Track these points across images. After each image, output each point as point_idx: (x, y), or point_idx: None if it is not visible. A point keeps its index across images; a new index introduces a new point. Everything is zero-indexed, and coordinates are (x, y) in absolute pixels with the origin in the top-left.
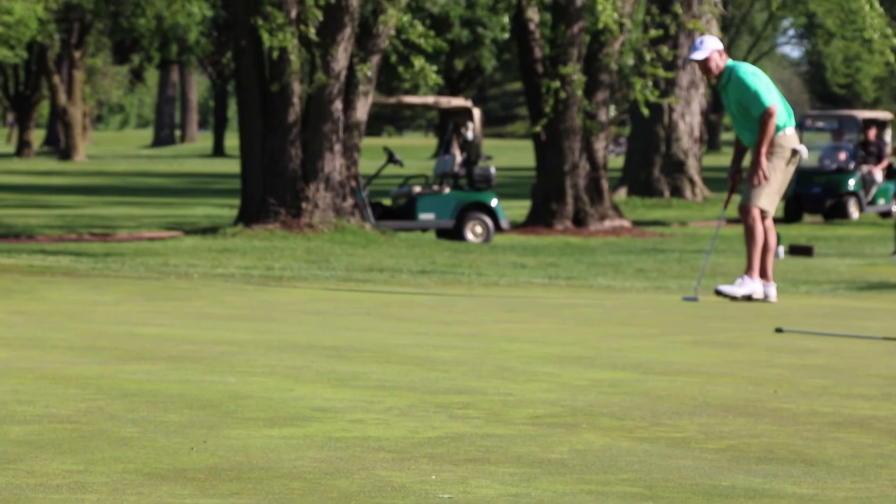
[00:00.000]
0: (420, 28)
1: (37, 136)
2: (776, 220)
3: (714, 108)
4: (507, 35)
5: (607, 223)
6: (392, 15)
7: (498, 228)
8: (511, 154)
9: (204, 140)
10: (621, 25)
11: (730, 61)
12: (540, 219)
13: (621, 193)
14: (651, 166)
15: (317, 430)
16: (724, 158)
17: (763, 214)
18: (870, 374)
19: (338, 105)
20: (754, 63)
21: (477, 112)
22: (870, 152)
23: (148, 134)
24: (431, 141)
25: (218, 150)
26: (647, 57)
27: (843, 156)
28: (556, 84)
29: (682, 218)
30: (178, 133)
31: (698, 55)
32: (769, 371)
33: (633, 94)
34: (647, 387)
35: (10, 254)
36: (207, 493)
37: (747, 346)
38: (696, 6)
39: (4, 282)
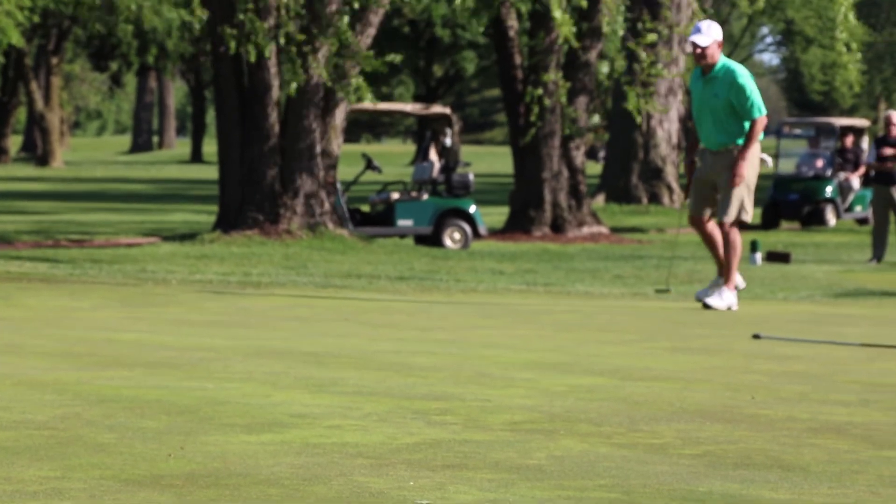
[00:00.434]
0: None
1: (14, 142)
2: (754, 227)
3: (691, 114)
4: (482, 37)
5: (585, 230)
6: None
7: (476, 235)
8: (489, 160)
9: (182, 146)
10: (600, 32)
11: (722, 57)
12: (518, 225)
13: (599, 200)
14: (629, 173)
15: (294, 436)
16: None
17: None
18: (847, 380)
19: (316, 112)
20: None
21: (455, 119)
22: (847, 159)
23: (126, 140)
24: (410, 147)
25: (196, 157)
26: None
27: (820, 163)
28: (540, 92)
29: (659, 224)
30: (155, 139)
31: (703, 40)
32: (746, 377)
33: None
34: (625, 393)
35: None
36: (185, 500)
37: (725, 353)
38: (675, 13)
39: None
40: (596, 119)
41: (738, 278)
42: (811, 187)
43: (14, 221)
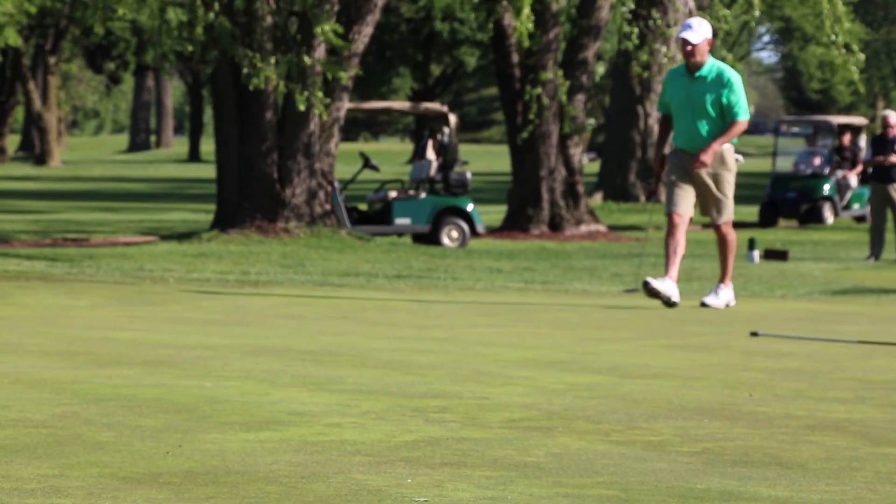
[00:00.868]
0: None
1: (12, 141)
2: (752, 225)
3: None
4: (479, 32)
5: (583, 228)
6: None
7: (474, 233)
8: (487, 159)
9: (179, 145)
10: (598, 30)
11: (710, 56)
12: (516, 223)
13: (597, 198)
14: (626, 171)
15: (293, 434)
16: None
17: (683, 220)
18: (844, 377)
19: (313, 110)
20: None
21: (453, 117)
22: (844, 157)
23: (123, 139)
24: (407, 146)
25: (193, 156)
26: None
27: (818, 161)
28: (538, 91)
29: (657, 223)
30: (153, 138)
31: (694, 37)
32: (744, 374)
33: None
34: (623, 390)
35: None
36: (183, 498)
37: (723, 350)
38: (671, 14)
39: None
40: (591, 121)
41: (669, 284)
42: (809, 185)
43: (12, 220)
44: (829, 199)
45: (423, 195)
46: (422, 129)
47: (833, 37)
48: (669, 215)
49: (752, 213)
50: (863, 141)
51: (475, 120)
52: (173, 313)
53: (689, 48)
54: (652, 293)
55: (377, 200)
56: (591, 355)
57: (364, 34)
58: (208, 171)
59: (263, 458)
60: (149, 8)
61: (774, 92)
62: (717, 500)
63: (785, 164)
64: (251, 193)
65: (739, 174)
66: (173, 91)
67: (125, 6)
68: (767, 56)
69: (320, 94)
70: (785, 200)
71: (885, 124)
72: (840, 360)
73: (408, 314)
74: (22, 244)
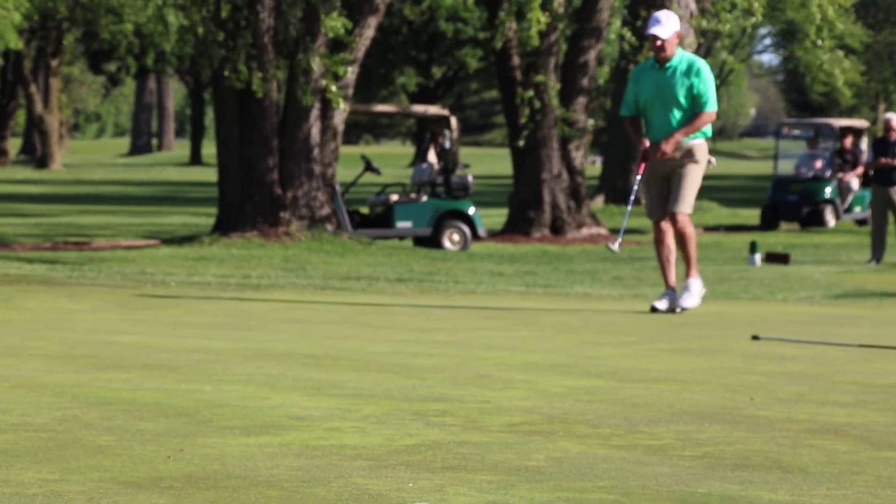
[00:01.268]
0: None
1: (13, 144)
2: (753, 228)
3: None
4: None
5: (584, 231)
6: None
7: (475, 236)
8: (488, 162)
9: (181, 148)
10: (599, 32)
11: (679, 48)
12: (517, 227)
13: (598, 201)
14: (628, 174)
15: (293, 438)
16: None
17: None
18: (845, 381)
19: (315, 113)
20: (731, 72)
21: (454, 120)
22: (846, 160)
23: (125, 142)
24: (409, 149)
25: (195, 159)
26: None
27: (819, 164)
28: (530, 94)
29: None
30: (154, 141)
31: (664, 32)
32: (745, 378)
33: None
34: (624, 394)
35: None
36: (183, 502)
37: (724, 354)
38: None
39: None
40: (591, 122)
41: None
42: (810, 188)
43: (13, 224)
44: (830, 202)
45: (424, 198)
46: (423, 132)
47: (819, 42)
48: (655, 224)
49: (753, 216)
50: (864, 144)
51: (476, 123)
52: (174, 317)
53: (659, 43)
54: (656, 311)
55: (378, 204)
56: (592, 359)
57: (366, 37)
58: (210, 174)
59: (264, 463)
60: (149, 11)
61: (776, 94)
62: None
63: (786, 167)
64: (252, 196)
65: (742, 177)
66: (175, 94)
67: (130, 10)
68: (769, 59)
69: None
70: (786, 203)
71: (888, 127)
72: (841, 364)
73: (409, 318)
74: (23, 248)
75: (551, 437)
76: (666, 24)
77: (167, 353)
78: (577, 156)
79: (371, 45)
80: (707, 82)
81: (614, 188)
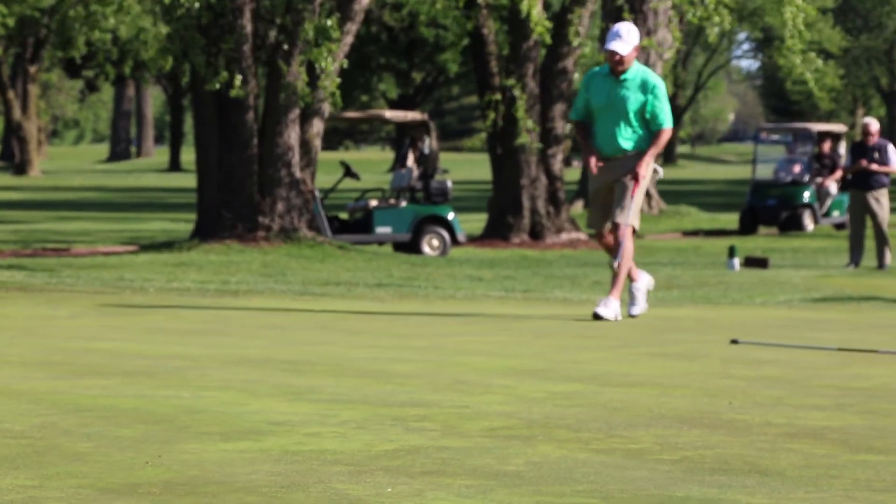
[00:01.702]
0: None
1: None
2: (732, 233)
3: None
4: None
5: (564, 236)
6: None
7: (455, 242)
8: (468, 168)
9: (160, 155)
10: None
11: (635, 61)
12: (496, 232)
13: (577, 206)
14: None
15: (272, 443)
16: (680, 171)
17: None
18: (824, 384)
19: (294, 119)
20: (710, 77)
21: (433, 126)
22: (824, 165)
23: (103, 149)
24: (388, 155)
25: (174, 165)
26: None
27: (797, 168)
28: (497, 97)
29: (638, 230)
30: (133, 148)
31: (623, 48)
32: (724, 382)
33: None
34: (603, 399)
35: None
36: None
37: (703, 358)
38: (651, 20)
39: None
40: (569, 127)
41: (647, 278)
42: (789, 193)
43: None
44: (808, 206)
45: (403, 204)
46: (402, 137)
47: (792, 46)
48: (598, 237)
49: (732, 220)
50: (842, 148)
51: (456, 128)
52: (153, 323)
53: (618, 58)
54: (599, 318)
55: (358, 209)
56: (572, 364)
57: (345, 43)
58: (189, 180)
59: (242, 468)
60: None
61: (754, 99)
62: None
63: (765, 172)
64: (231, 203)
65: (721, 181)
66: (153, 100)
67: (109, 17)
68: (748, 64)
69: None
70: (765, 208)
71: (866, 132)
72: (819, 368)
73: (388, 323)
74: (1, 254)
75: (531, 442)
76: (626, 40)
77: (146, 360)
78: (556, 161)
79: (351, 53)
80: (661, 99)
81: None
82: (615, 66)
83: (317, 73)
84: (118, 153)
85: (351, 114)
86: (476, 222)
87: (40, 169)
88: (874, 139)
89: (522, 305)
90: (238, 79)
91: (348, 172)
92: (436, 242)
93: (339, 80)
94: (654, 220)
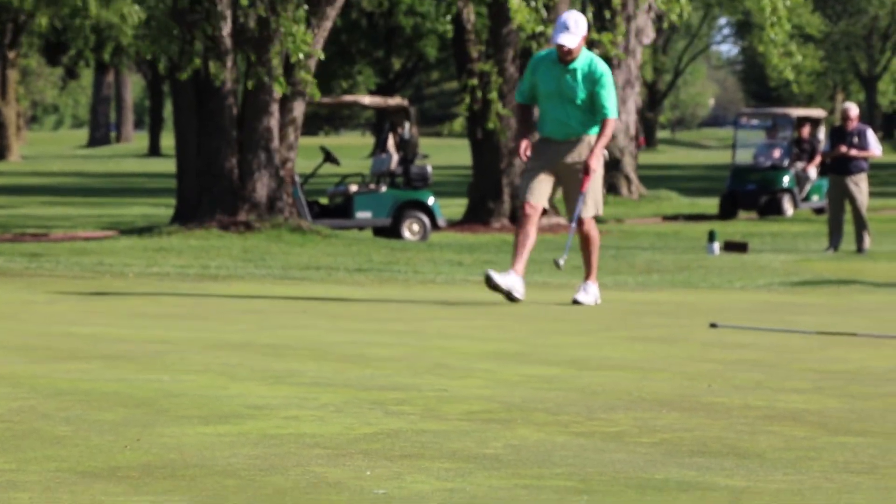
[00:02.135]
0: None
1: None
2: (712, 217)
3: (650, 106)
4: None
5: (544, 221)
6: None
7: (435, 226)
8: (448, 153)
9: (139, 140)
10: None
11: (584, 49)
12: (477, 217)
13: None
14: None
15: (251, 427)
16: (660, 156)
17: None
18: (802, 367)
19: (274, 104)
20: (691, 61)
21: (413, 111)
22: (804, 149)
23: (83, 134)
24: (368, 140)
25: (154, 150)
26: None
27: (777, 153)
28: (474, 82)
29: (618, 215)
30: (113, 133)
31: (571, 41)
32: (703, 366)
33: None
34: (582, 382)
35: None
36: (141, 491)
37: (682, 342)
38: (630, 6)
39: None
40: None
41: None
42: (768, 177)
43: None
44: (788, 190)
45: (383, 189)
46: (382, 123)
47: (773, 35)
48: (523, 204)
49: (712, 205)
50: (822, 133)
51: (436, 114)
52: (132, 308)
53: (567, 50)
54: (493, 287)
55: (338, 194)
56: (551, 347)
57: (324, 28)
58: (168, 165)
59: (222, 452)
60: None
61: (734, 85)
62: (674, 491)
63: (744, 157)
64: (211, 188)
65: (701, 166)
66: (133, 86)
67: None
68: (728, 49)
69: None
70: (745, 192)
71: (845, 116)
72: (798, 351)
73: (368, 307)
74: None
75: (510, 425)
76: (574, 32)
77: (125, 344)
78: None
79: (331, 41)
80: (609, 90)
81: None
82: (564, 55)
83: (293, 62)
84: (98, 138)
85: (330, 100)
86: (456, 207)
87: (20, 154)
88: (853, 124)
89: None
90: (215, 66)
91: (328, 158)
92: (416, 227)
93: (311, 70)
94: (634, 204)
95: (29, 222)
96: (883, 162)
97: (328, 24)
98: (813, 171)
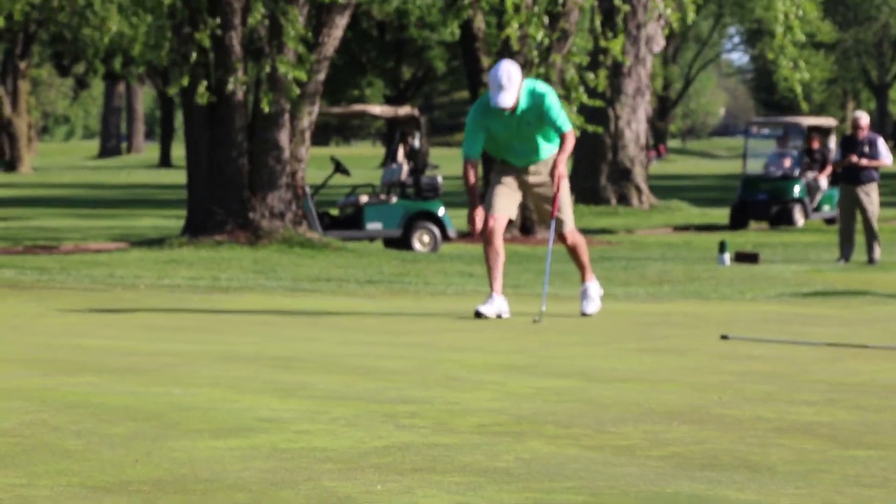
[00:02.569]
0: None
1: None
2: (722, 227)
3: (660, 115)
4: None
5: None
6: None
7: (445, 237)
8: (458, 163)
9: (150, 151)
10: (567, 34)
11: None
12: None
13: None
14: (598, 174)
15: (262, 440)
16: (670, 166)
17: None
18: (813, 380)
19: (284, 115)
20: (701, 70)
21: (424, 121)
22: (815, 159)
23: (94, 145)
24: (379, 150)
25: (164, 161)
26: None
27: (788, 162)
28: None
29: (628, 226)
30: (124, 144)
31: (509, 99)
32: (714, 378)
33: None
34: (592, 394)
35: None
36: None
37: (692, 353)
38: (641, 14)
39: None
40: None
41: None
42: (779, 187)
43: None
44: (799, 200)
45: (394, 200)
46: (393, 133)
47: (784, 45)
48: (486, 218)
49: (722, 215)
50: (833, 142)
51: (446, 123)
52: (143, 320)
53: (508, 108)
54: (484, 318)
55: (348, 205)
56: (561, 360)
57: (333, 37)
58: (179, 176)
59: (233, 466)
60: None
61: (745, 93)
62: None
63: (755, 166)
64: (222, 199)
65: (711, 176)
66: (144, 96)
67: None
68: (738, 57)
69: (297, 92)
70: (755, 202)
71: (856, 125)
72: (809, 363)
73: (378, 320)
74: None
75: (520, 438)
76: (509, 88)
77: (135, 357)
78: None
79: (341, 49)
80: (555, 107)
81: (584, 188)
82: (503, 109)
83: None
84: (108, 149)
85: (339, 109)
86: (466, 218)
87: (31, 165)
88: (864, 133)
89: (513, 301)
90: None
91: (339, 168)
92: (426, 238)
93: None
94: (644, 214)
95: (40, 234)
96: (894, 171)
97: (338, 32)
98: (824, 181)
